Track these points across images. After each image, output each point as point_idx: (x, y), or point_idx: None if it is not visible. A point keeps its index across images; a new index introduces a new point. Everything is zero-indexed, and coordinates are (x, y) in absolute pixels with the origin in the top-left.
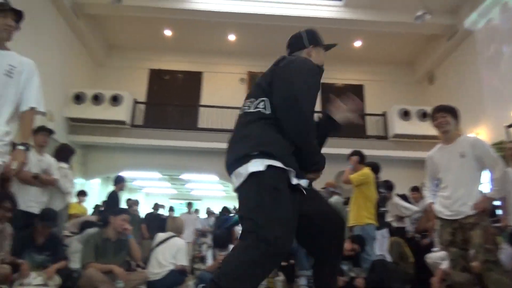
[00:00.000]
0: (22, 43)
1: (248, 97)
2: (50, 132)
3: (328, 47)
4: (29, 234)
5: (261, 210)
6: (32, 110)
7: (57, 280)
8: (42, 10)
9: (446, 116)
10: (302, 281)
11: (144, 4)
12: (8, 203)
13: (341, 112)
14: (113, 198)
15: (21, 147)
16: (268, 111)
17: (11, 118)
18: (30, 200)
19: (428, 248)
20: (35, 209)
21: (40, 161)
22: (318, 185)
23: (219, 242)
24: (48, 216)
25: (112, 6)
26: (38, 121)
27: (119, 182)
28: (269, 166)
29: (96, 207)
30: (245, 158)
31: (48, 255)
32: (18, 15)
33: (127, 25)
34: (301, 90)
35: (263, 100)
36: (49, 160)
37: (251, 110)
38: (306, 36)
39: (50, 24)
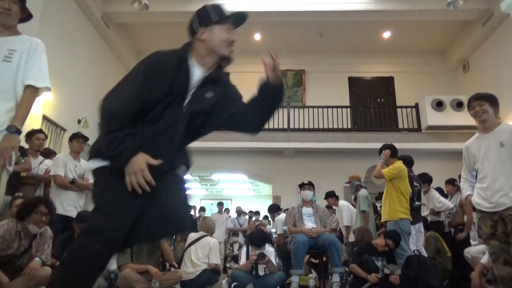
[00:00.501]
0: (58, 55)
1: None
2: (85, 138)
3: (234, 19)
4: (68, 236)
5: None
6: (30, 88)
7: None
8: (76, 23)
9: (483, 104)
10: (335, 278)
11: (170, 9)
12: (43, 207)
13: (272, 71)
14: None
15: (5, 131)
16: None
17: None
18: (68, 204)
19: (464, 243)
20: (73, 212)
21: (76, 166)
22: (343, 179)
23: (256, 240)
24: (84, 218)
25: (139, 13)
26: (74, 129)
27: None
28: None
29: None
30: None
31: None
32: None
33: (155, 31)
34: (109, 95)
35: None
36: (85, 165)
37: None
38: (195, 18)
39: (83, 35)
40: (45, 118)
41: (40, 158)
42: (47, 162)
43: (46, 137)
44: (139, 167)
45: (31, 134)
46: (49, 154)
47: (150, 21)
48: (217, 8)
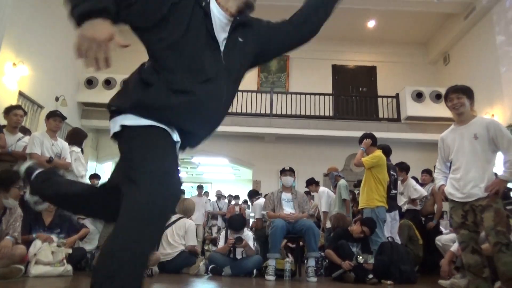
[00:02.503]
0: (33, 31)
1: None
2: (62, 117)
3: None
4: (36, 214)
5: None
6: None
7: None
8: None
9: (461, 97)
10: (311, 262)
11: None
12: (21, 181)
13: None
14: None
15: None
16: None
17: None
18: None
19: (435, 231)
20: None
21: (53, 145)
22: (323, 165)
23: (235, 224)
24: None
25: None
26: (51, 106)
27: None
28: None
29: None
30: None
31: (59, 232)
32: None
33: None
34: None
35: None
36: (62, 144)
37: None
38: None
39: (58, 11)
40: (21, 94)
41: (19, 134)
42: (27, 139)
43: (25, 113)
44: (103, 33)
45: (9, 110)
46: (24, 131)
47: None
48: None
